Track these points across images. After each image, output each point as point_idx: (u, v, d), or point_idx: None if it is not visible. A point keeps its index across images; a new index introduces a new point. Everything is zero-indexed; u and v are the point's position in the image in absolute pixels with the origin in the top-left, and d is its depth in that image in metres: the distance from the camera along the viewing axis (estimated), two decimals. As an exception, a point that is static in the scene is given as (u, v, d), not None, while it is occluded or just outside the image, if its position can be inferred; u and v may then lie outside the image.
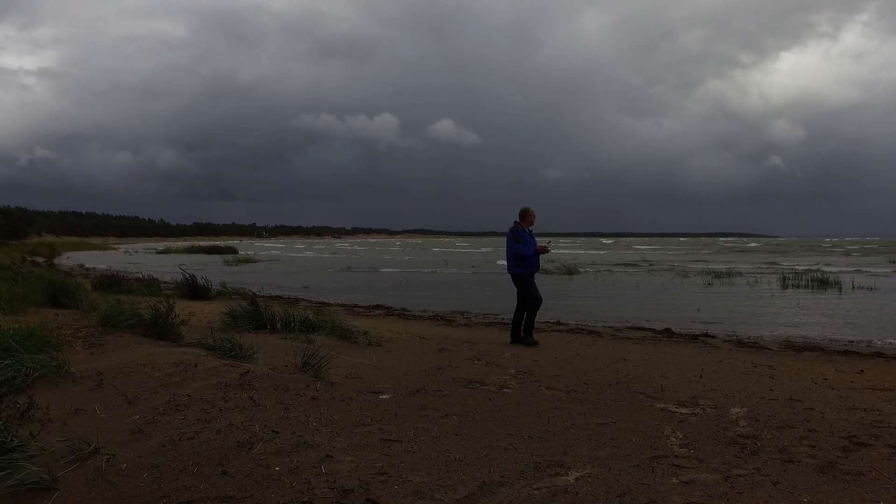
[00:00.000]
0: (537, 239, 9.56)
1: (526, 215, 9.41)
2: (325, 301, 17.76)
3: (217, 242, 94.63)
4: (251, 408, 4.35)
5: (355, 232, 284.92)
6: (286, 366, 5.83)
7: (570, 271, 29.82)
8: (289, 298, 17.91)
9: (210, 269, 28.89)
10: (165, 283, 19.49)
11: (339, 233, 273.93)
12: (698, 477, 3.48)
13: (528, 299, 9.36)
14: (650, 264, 39.57)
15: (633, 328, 12.43)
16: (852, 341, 10.89)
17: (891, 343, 10.74)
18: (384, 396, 5.27)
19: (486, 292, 21.16)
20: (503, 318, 13.37)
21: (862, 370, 7.88)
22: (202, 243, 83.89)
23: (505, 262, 9.75)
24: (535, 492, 3.13)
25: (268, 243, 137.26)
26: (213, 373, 5.15)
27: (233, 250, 61.73)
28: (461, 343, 9.34)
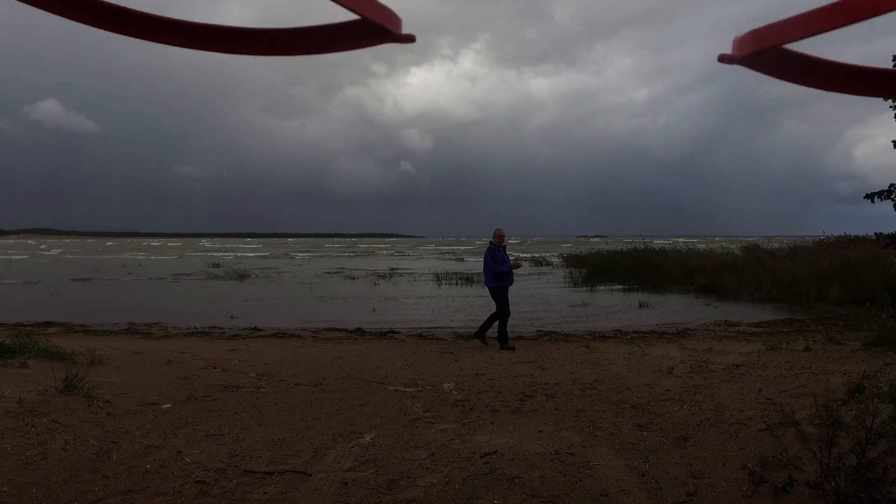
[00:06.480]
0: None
1: (498, 236, 10.89)
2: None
3: None
4: (65, 428, 4.70)
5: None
6: (46, 390, 5.95)
7: (241, 276, 30.34)
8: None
9: None
10: None
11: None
12: (446, 426, 5.13)
13: (501, 310, 10.74)
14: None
15: (329, 329, 13.96)
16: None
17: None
18: (166, 406, 5.88)
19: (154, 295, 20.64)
20: (203, 328, 13.77)
21: (514, 349, 10.58)
22: None
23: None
24: (352, 449, 4.40)
25: None
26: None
27: None
28: (180, 353, 9.80)
